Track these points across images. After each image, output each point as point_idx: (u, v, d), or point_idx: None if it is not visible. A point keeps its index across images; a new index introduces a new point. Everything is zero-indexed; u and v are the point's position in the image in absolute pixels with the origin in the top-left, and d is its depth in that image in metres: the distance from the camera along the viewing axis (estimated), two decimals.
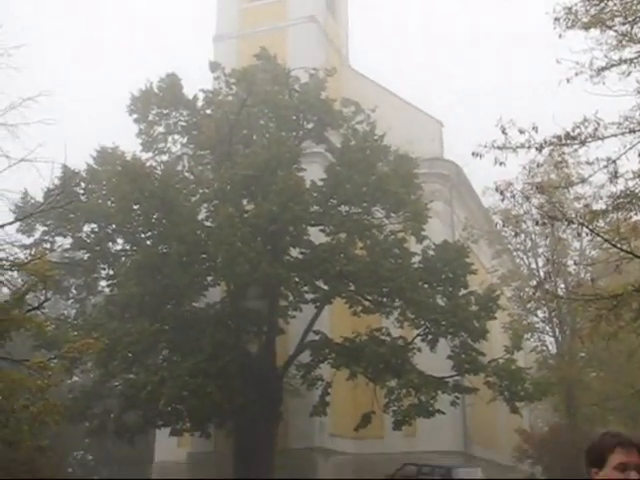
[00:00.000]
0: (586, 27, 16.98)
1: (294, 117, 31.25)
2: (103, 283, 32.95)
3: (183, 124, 32.37)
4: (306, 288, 29.09)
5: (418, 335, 29.48)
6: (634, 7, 16.48)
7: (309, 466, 32.98)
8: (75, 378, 36.04)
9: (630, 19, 16.66)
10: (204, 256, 28.64)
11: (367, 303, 29.53)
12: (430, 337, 29.05)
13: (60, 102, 20.99)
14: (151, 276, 28.40)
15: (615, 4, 16.52)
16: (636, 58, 17.01)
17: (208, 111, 31.78)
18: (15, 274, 20.16)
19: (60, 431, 22.39)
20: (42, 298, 21.09)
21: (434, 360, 29.40)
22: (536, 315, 38.41)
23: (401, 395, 27.82)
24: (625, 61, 17.08)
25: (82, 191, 31.56)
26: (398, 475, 29.78)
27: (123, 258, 31.90)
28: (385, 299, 29.45)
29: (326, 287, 29.07)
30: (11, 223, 22.20)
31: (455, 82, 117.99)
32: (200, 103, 32.07)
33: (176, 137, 33.02)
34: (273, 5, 42.09)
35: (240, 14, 42.37)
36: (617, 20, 16.72)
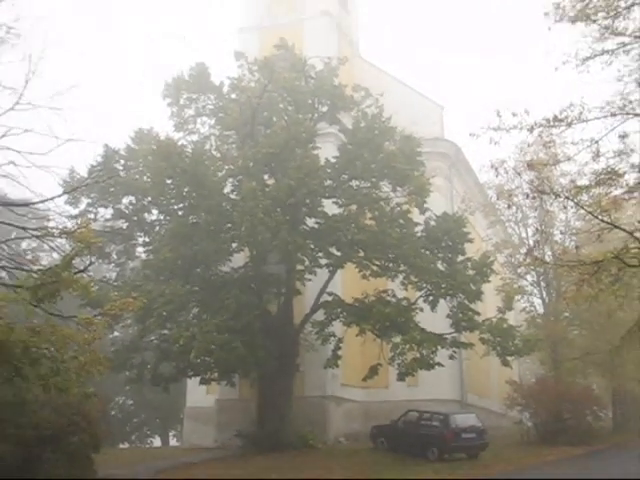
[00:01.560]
0: (572, 21, 16.95)
1: (310, 101, 31.14)
2: (140, 249, 33.17)
3: (211, 107, 32.38)
4: (320, 254, 29.23)
5: (420, 296, 29.52)
6: (615, 3, 16.42)
7: (322, 412, 33.32)
8: (116, 333, 36.41)
9: (612, 14, 16.62)
10: (229, 225, 28.69)
11: (375, 268, 29.58)
12: (431, 298, 29.08)
13: (103, 89, 21.01)
14: (182, 243, 28.57)
15: (598, 0, 16.48)
16: (617, 49, 16.97)
17: (233, 96, 31.71)
18: (63, 241, 20.21)
19: (104, 379, 22.51)
20: (87, 262, 21.17)
21: (434, 318, 29.50)
22: (526, 279, 38.50)
23: (405, 349, 27.92)
24: (607, 52, 17.06)
25: (121, 168, 31.75)
26: (402, 420, 30.00)
27: (157, 227, 32.10)
28: (391, 264, 29.50)
29: (338, 253, 29.18)
30: (59, 196, 22.14)
31: (457, 69, 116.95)
32: (226, 89, 32.01)
33: (204, 119, 33.05)
34: (291, 1, 41.80)
35: (262, 9, 42.11)
36: (600, 15, 16.67)
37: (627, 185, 17.97)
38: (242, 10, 42.73)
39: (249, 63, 32.21)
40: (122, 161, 31.92)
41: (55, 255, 22.38)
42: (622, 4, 16.48)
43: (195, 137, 32.85)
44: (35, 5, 19.87)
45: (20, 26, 19.06)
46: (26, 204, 21.27)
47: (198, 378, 30.63)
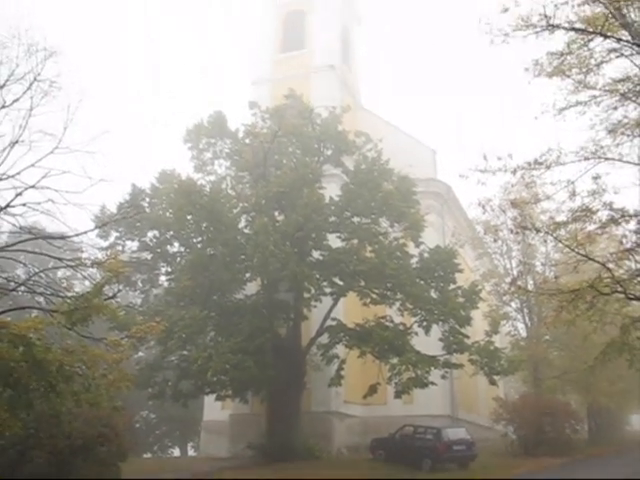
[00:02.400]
0: (550, 75, 17.20)
1: (316, 145, 31.40)
2: (163, 278, 33.24)
3: (227, 151, 32.61)
4: (325, 283, 29.26)
5: (415, 322, 29.47)
6: (587, 60, 16.68)
7: (327, 426, 33.19)
8: (140, 353, 36.34)
9: (584, 70, 16.88)
10: (243, 257, 28.79)
11: (374, 296, 29.56)
12: (425, 323, 29.01)
13: (131, 135, 21.33)
14: (201, 273, 28.68)
15: (573, 58, 16.73)
16: (589, 101, 17.22)
17: (247, 141, 31.93)
18: (95, 270, 20.36)
19: (129, 395, 22.53)
20: (115, 290, 21.34)
21: (428, 342, 29.37)
22: (510, 306, 38.43)
23: (401, 370, 27.79)
24: (580, 103, 17.31)
25: (147, 204, 31.94)
26: (398, 433, 29.89)
27: (178, 258, 32.17)
28: (389, 292, 29.51)
29: (341, 283, 29.25)
30: (92, 230, 22.46)
31: (449, 118, 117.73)
32: (241, 134, 32.26)
33: (221, 161, 33.23)
34: (299, 56, 42.27)
35: (273, 63, 42.65)
36: (574, 70, 16.93)
37: (600, 221, 18.12)
38: (255, 64, 43.24)
39: (261, 111, 32.56)
40: (147, 199, 32.15)
41: (87, 283, 22.46)
42: (592, 62, 16.75)
43: (213, 177, 33.00)
44: (76, 59, 20.21)
45: (61, 80, 19.47)
46: (62, 237, 21.49)
47: (214, 395, 30.57)
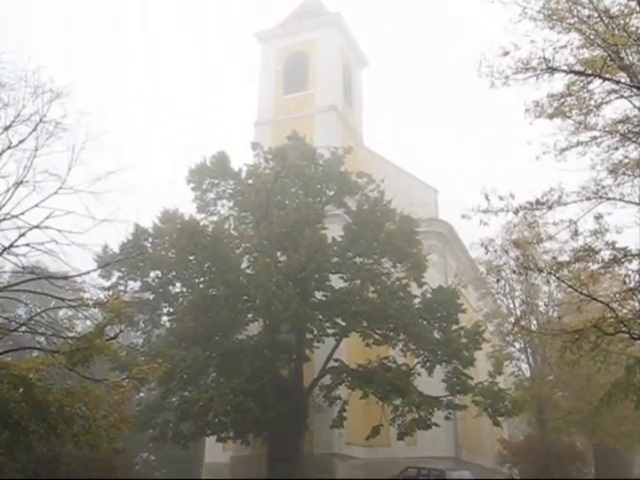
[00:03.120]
0: (550, 117, 17.36)
1: (318, 186, 31.55)
2: (165, 318, 33.05)
3: (230, 191, 32.77)
4: (328, 324, 29.11)
5: (418, 362, 29.34)
6: (586, 102, 16.85)
7: (329, 467, 32.79)
8: (141, 394, 36.09)
9: (584, 111, 17.03)
10: (245, 297, 28.72)
11: (377, 336, 29.46)
12: (428, 364, 28.90)
13: (135, 175, 21.47)
14: (203, 313, 28.61)
15: (573, 99, 16.91)
16: (589, 141, 17.34)
17: (250, 181, 32.12)
18: (97, 310, 20.36)
19: (130, 436, 22.35)
20: (117, 330, 21.29)
21: (431, 383, 29.22)
22: (514, 346, 38.22)
23: (404, 411, 27.63)
24: (581, 143, 17.44)
25: (149, 244, 31.94)
26: (401, 476, 29.53)
27: (181, 299, 32.05)
28: (392, 333, 29.39)
29: (344, 323, 29.10)
30: (94, 270, 22.55)
31: (450, 157, 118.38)
32: (244, 175, 32.46)
33: (224, 202, 33.37)
34: (302, 97, 42.72)
35: (276, 104, 43.08)
36: (574, 112, 17.09)
37: (603, 261, 18.07)
38: (258, 105, 43.65)
39: (264, 152, 32.80)
40: (150, 239, 32.16)
41: (89, 322, 22.51)
42: (592, 103, 16.92)
43: (215, 218, 33.08)
44: (82, 99, 20.50)
45: (66, 121, 19.72)
46: (65, 277, 21.55)
47: (215, 436, 30.20)
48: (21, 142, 19.55)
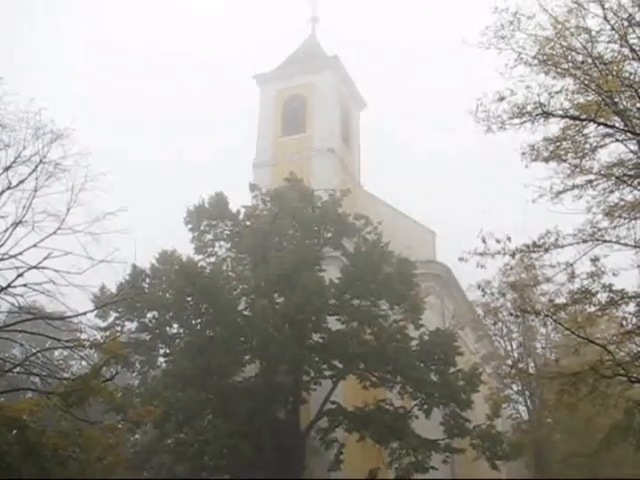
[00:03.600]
0: (546, 160, 17.54)
1: (316, 228, 31.64)
2: (161, 359, 32.87)
3: (228, 233, 32.82)
4: (325, 366, 29.00)
5: (416, 405, 29.15)
6: (582, 145, 17.05)
7: None
8: (136, 436, 35.65)
9: (579, 154, 17.22)
10: (242, 339, 28.64)
11: (374, 379, 29.34)
12: (425, 407, 28.70)
13: (133, 215, 21.59)
14: (199, 355, 28.43)
15: (568, 143, 17.11)
16: (585, 184, 17.50)
17: (247, 223, 32.20)
18: (93, 350, 20.30)
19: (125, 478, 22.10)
20: (113, 371, 21.23)
21: (429, 425, 29.01)
22: (511, 388, 37.86)
23: (402, 454, 27.39)
24: (577, 186, 17.60)
25: (146, 285, 31.86)
26: None
27: (177, 340, 31.91)
28: (389, 375, 29.28)
29: (341, 366, 28.99)
30: (91, 311, 22.57)
31: (447, 200, 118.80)
32: (241, 216, 32.57)
33: (222, 243, 33.34)
34: (300, 139, 43.05)
35: (274, 146, 43.42)
36: (569, 155, 17.27)
37: (600, 303, 18.11)
38: (257, 147, 43.96)
39: (262, 194, 32.94)
40: (147, 279, 32.13)
41: (84, 363, 22.40)
42: (587, 146, 17.12)
43: (213, 259, 33.08)
44: (82, 139, 20.71)
45: (66, 162, 19.91)
46: (61, 318, 21.51)
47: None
48: (21, 183, 19.71)
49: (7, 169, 19.59)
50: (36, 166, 19.80)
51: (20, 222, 19.41)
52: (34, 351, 21.15)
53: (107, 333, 24.23)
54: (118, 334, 25.64)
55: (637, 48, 15.82)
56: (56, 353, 33.43)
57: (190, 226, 32.59)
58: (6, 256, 18.97)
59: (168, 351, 31.91)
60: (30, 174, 19.80)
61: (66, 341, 20.48)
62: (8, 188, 19.57)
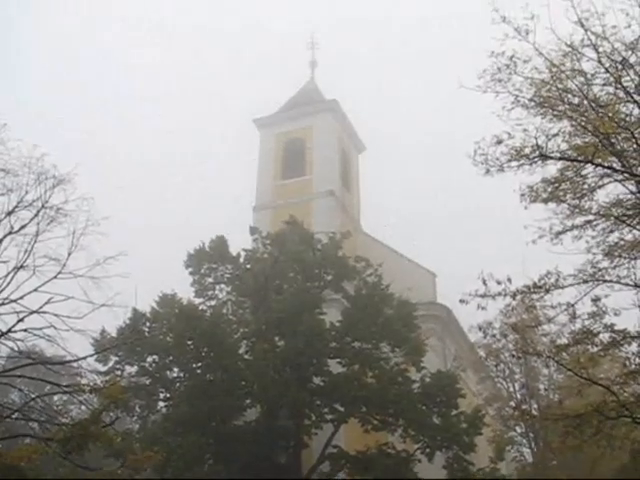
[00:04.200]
0: (545, 201, 17.61)
1: (316, 271, 31.67)
2: (161, 404, 32.65)
3: (228, 276, 32.89)
4: (326, 410, 28.84)
5: (418, 448, 28.87)
6: (580, 186, 17.15)
7: None
8: None
9: (578, 196, 17.30)
10: (243, 383, 28.53)
11: (376, 422, 29.11)
12: (428, 450, 28.45)
13: (133, 259, 21.64)
14: (200, 399, 28.21)
15: (567, 184, 17.20)
16: (584, 225, 17.55)
17: (248, 266, 32.31)
18: (92, 395, 20.15)
19: None
20: (113, 416, 21.05)
21: (432, 469, 28.74)
22: (515, 430, 37.49)
23: None
24: (576, 227, 17.64)
25: (147, 329, 31.77)
26: None
27: (177, 384, 31.73)
28: (391, 419, 29.04)
29: (342, 409, 28.79)
30: (91, 355, 22.46)
31: (448, 242, 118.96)
32: (242, 259, 32.66)
33: (222, 286, 33.45)
34: (300, 183, 43.37)
35: (274, 190, 43.69)
36: (568, 196, 17.36)
37: (602, 343, 18.02)
38: (257, 191, 44.21)
39: (262, 237, 33.07)
40: (148, 323, 32.03)
41: (83, 408, 22.21)
42: (586, 187, 17.21)
43: (214, 302, 33.12)
44: (84, 184, 20.88)
45: (67, 207, 20.02)
46: (61, 362, 21.43)
47: None
48: (23, 227, 19.78)
49: (9, 214, 19.68)
50: (38, 211, 19.91)
51: (21, 267, 19.43)
52: (33, 396, 20.97)
53: (107, 377, 24.10)
54: (118, 378, 25.51)
55: (631, 90, 15.99)
56: (55, 398, 33.21)
57: (190, 269, 32.68)
58: (7, 301, 18.95)
59: (168, 395, 31.73)
60: (32, 219, 19.90)
61: (66, 386, 20.39)
62: (10, 233, 19.64)
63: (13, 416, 20.69)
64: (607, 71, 16.09)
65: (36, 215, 19.87)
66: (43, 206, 19.92)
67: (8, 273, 19.27)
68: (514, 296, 18.40)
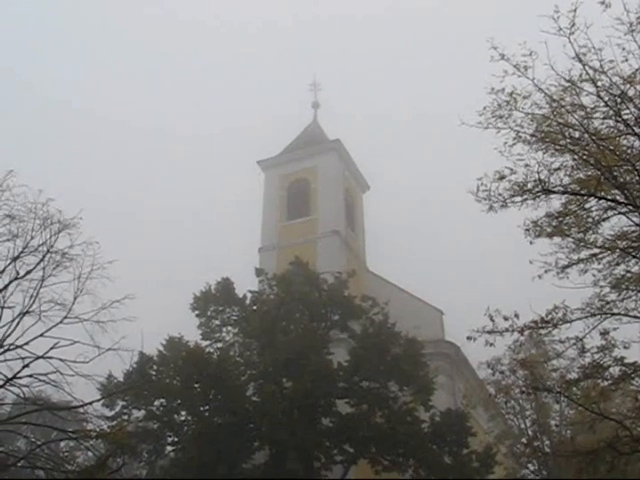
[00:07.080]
0: (550, 236, 17.55)
1: (323, 311, 31.56)
2: (169, 448, 32.26)
3: (235, 318, 32.75)
4: (335, 451, 28.47)
5: None
6: (584, 220, 17.10)
7: None
8: None
9: (583, 229, 17.24)
10: (251, 425, 28.22)
11: (386, 463, 28.66)
12: None
13: (140, 303, 21.55)
14: (208, 442, 27.90)
15: (571, 218, 17.15)
16: (590, 258, 17.46)
17: (254, 307, 32.19)
18: (99, 440, 19.95)
19: None
20: (120, 462, 20.79)
21: None
22: (528, 468, 36.96)
23: None
24: (582, 260, 17.55)
25: (154, 372, 31.56)
26: None
27: (185, 427, 31.36)
28: (401, 459, 28.62)
29: (352, 450, 28.44)
30: (98, 400, 22.24)
31: (454, 279, 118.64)
32: (248, 301, 32.56)
33: (229, 328, 33.28)
34: (305, 223, 43.43)
35: (279, 230, 43.74)
36: (573, 230, 17.30)
37: (612, 377, 17.80)
38: (262, 232, 44.26)
39: (268, 278, 33.02)
40: (155, 367, 31.81)
41: (90, 454, 21.95)
42: (590, 220, 17.16)
43: (220, 344, 32.92)
44: (89, 228, 20.94)
45: (73, 251, 20.04)
46: (67, 408, 21.22)
47: None
48: (28, 273, 19.79)
49: (15, 259, 19.71)
50: (43, 256, 19.94)
51: (27, 312, 19.40)
52: (39, 443, 20.76)
53: (114, 422, 23.86)
54: (125, 423, 25.21)
55: (631, 123, 16.00)
56: (62, 444, 32.88)
57: (197, 312, 32.57)
58: (12, 346, 18.87)
59: (176, 439, 31.30)
60: (37, 264, 19.92)
61: (72, 432, 20.19)
62: (16, 278, 19.64)
63: (19, 464, 20.43)
64: (607, 105, 16.12)
65: (42, 260, 19.90)
66: (49, 251, 19.96)
67: (14, 319, 19.23)
68: (522, 331, 18.21)
